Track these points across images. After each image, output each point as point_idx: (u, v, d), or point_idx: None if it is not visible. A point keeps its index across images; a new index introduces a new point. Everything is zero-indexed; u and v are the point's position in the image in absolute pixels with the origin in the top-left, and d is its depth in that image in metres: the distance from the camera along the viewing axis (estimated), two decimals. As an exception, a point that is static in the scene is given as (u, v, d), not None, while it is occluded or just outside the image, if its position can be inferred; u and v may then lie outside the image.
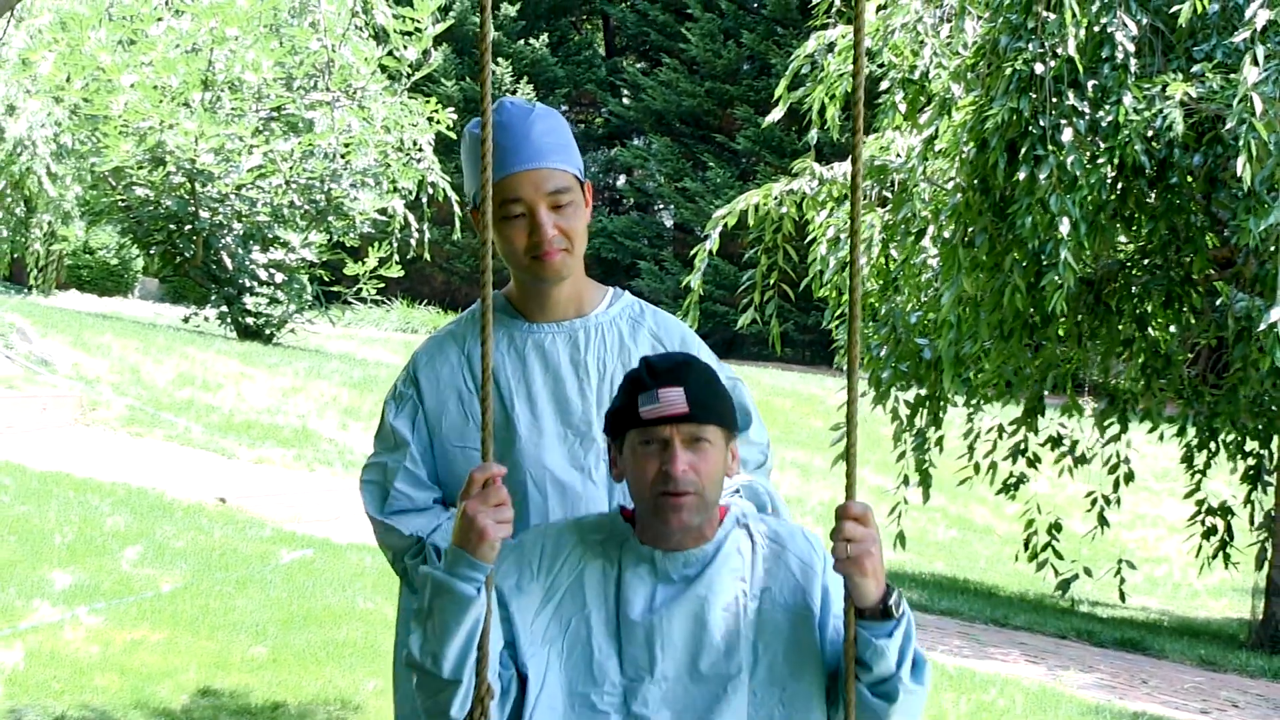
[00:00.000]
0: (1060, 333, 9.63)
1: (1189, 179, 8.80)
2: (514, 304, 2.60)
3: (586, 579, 2.36)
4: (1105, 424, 10.20)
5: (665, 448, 2.29)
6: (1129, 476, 10.29)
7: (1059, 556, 10.29)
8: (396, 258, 17.70)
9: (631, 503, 2.44)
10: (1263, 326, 7.87)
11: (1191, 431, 10.11)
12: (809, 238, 10.49)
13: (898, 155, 9.84)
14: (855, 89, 2.32)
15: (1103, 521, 10.42)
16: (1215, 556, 10.32)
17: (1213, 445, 10.19)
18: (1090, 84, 8.30)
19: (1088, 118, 8.25)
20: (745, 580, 2.35)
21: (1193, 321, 9.72)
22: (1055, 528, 10.30)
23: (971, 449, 10.61)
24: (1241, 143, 7.48)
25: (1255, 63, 7.62)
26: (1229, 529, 10.30)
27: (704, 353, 2.59)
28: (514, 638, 2.33)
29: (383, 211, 17.59)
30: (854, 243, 2.33)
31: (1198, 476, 10.30)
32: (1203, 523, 10.37)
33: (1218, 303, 9.44)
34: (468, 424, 2.54)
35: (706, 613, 2.32)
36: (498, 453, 2.47)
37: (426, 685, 2.27)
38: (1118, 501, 10.52)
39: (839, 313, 10.38)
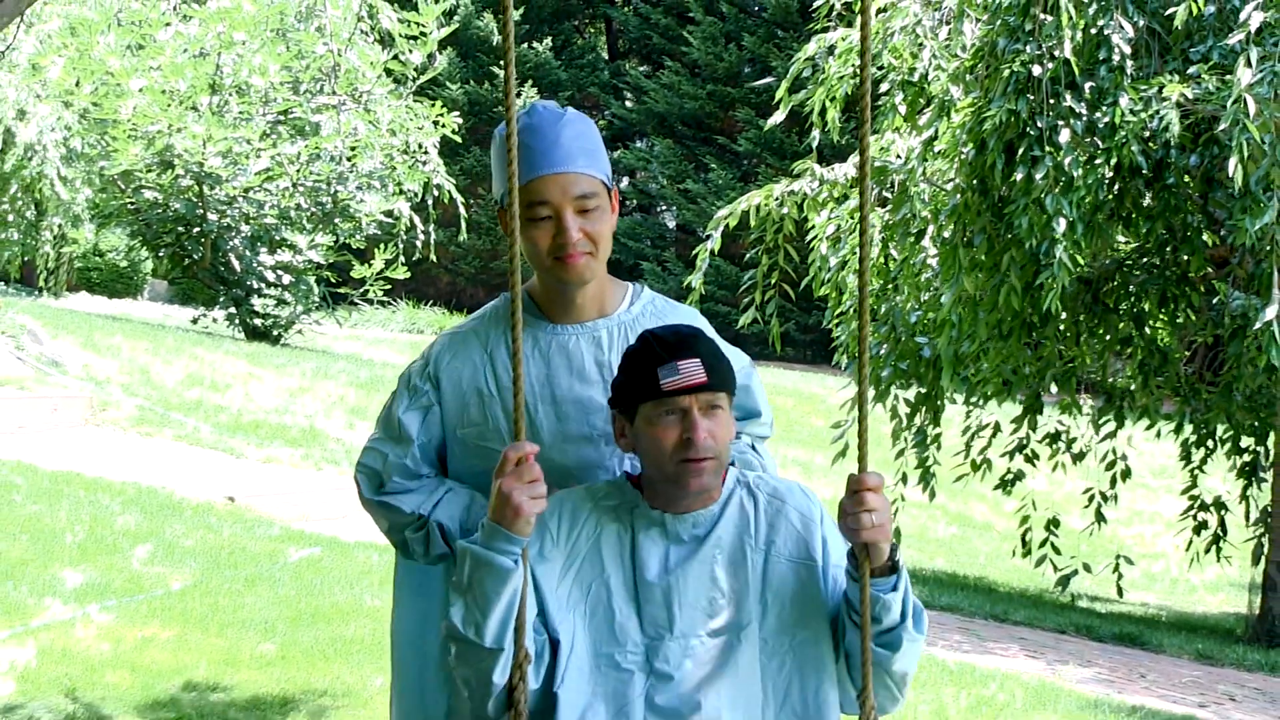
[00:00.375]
0: (1060, 329, 9.70)
1: (1185, 179, 8.85)
2: (537, 304, 2.59)
3: (604, 543, 2.45)
4: (1102, 421, 10.28)
5: (685, 416, 2.37)
6: (1126, 473, 10.35)
7: (1057, 552, 10.35)
8: (402, 259, 17.78)
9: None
10: (1258, 325, 7.94)
11: (1188, 429, 10.18)
12: (810, 238, 10.58)
13: (897, 156, 9.90)
14: (862, 82, 2.38)
15: (1100, 518, 10.49)
16: (1208, 551, 10.39)
17: (1210, 442, 10.25)
18: (1087, 85, 8.35)
19: (1085, 119, 8.29)
20: (751, 535, 2.46)
21: (1192, 318, 9.78)
22: (1053, 524, 10.37)
23: (968, 446, 10.69)
24: (1235, 144, 7.54)
25: (1249, 64, 7.67)
26: (1222, 524, 10.36)
27: (721, 344, 2.59)
28: (543, 605, 2.42)
29: (389, 214, 17.68)
30: (863, 226, 2.41)
31: (1194, 473, 10.37)
32: (1195, 517, 10.44)
33: (1214, 301, 9.52)
34: (487, 424, 2.55)
35: (717, 569, 2.43)
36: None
37: (468, 656, 2.35)
38: (1115, 498, 10.58)
39: (839, 312, 10.46)
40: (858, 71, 10.00)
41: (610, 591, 2.43)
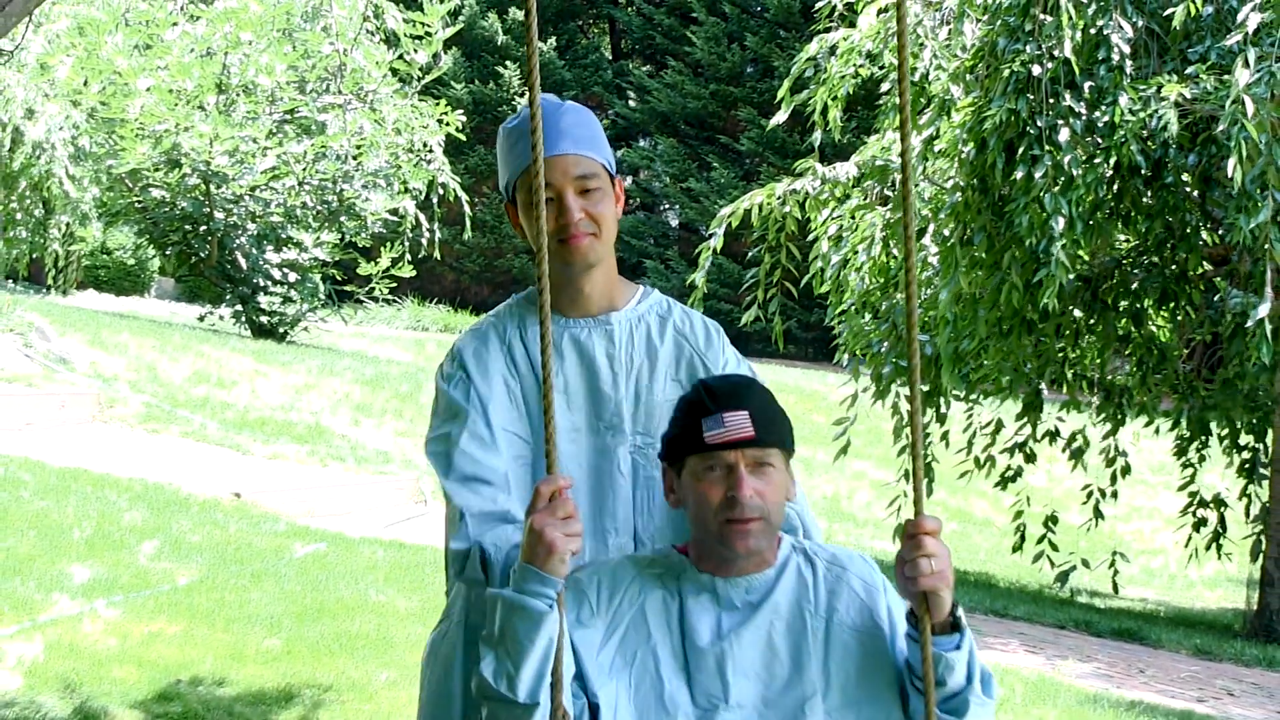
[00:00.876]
0: (1060, 327, 9.76)
1: (1184, 178, 8.90)
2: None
3: (649, 610, 2.29)
4: (1100, 419, 10.34)
5: (730, 473, 2.24)
6: (1126, 470, 10.40)
7: (1054, 549, 10.40)
8: (408, 257, 17.87)
9: (664, 520, 2.46)
10: (1250, 323, 8.00)
11: (1184, 425, 10.24)
12: (811, 236, 10.64)
13: (899, 155, 9.96)
14: (901, 71, 2.31)
15: (1098, 514, 10.54)
16: (1209, 548, 10.44)
17: (1202, 437, 10.29)
18: (1086, 85, 8.40)
19: (1084, 118, 8.35)
20: (811, 602, 2.29)
21: (1192, 315, 9.83)
22: (1051, 520, 10.43)
23: (971, 444, 10.74)
24: (1233, 143, 7.59)
25: (1247, 65, 7.72)
26: (1222, 521, 10.41)
27: (727, 349, 2.63)
28: (581, 670, 2.25)
29: (394, 212, 17.76)
30: (909, 280, 2.27)
31: (1191, 469, 10.41)
32: (1194, 514, 10.49)
33: (1215, 299, 9.57)
34: (513, 408, 2.55)
35: (775, 637, 2.27)
36: (532, 444, 2.51)
37: (501, 714, 2.19)
38: (1114, 495, 10.63)
39: (840, 310, 10.53)
40: (858, 71, 10.06)
41: (658, 659, 2.26)
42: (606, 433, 2.55)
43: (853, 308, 10.40)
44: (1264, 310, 7.85)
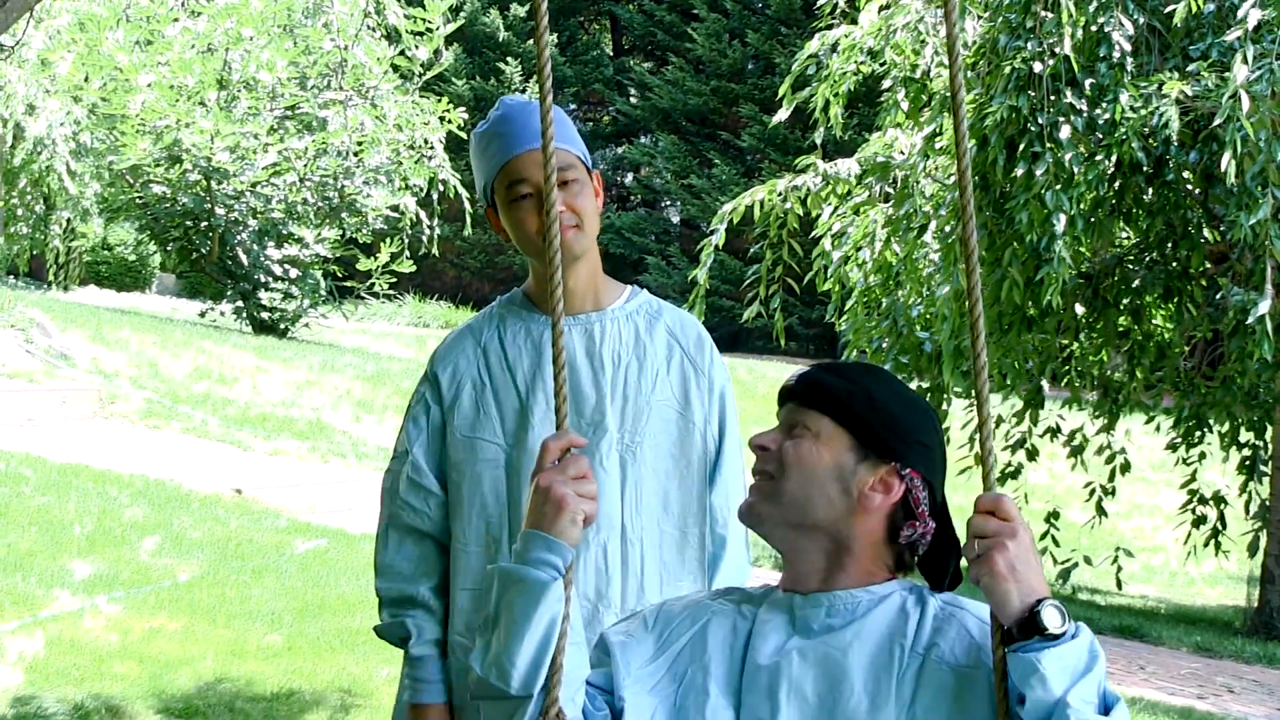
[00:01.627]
0: (1060, 324, 9.76)
1: (1185, 175, 8.91)
2: (531, 298, 2.61)
3: (711, 631, 1.99)
4: (1098, 415, 10.35)
5: None
6: (1125, 467, 10.41)
7: (1058, 545, 10.42)
8: (408, 253, 17.90)
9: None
10: (1250, 319, 8.00)
11: (1182, 422, 10.24)
12: (815, 234, 10.64)
13: (900, 153, 9.96)
14: (953, 87, 2.14)
15: (1100, 511, 10.54)
16: (1207, 545, 10.44)
17: (1199, 434, 10.29)
18: (1087, 82, 8.40)
19: (1085, 115, 8.35)
20: (906, 638, 1.92)
21: (1194, 313, 9.83)
22: (1054, 516, 10.43)
23: (972, 440, 10.73)
24: (1229, 140, 7.59)
25: (1246, 61, 7.72)
26: (1222, 518, 10.41)
27: (715, 357, 2.62)
28: (613, 681, 1.96)
29: (395, 208, 17.77)
30: (965, 239, 2.03)
31: (1193, 467, 10.42)
32: (1194, 511, 10.49)
33: (1217, 296, 9.58)
34: (478, 415, 2.55)
35: (852, 663, 1.91)
36: (510, 443, 2.52)
37: (494, 713, 1.92)
38: (1113, 491, 10.63)
39: (846, 306, 10.54)
40: (860, 68, 10.06)
41: (708, 674, 1.94)
42: (588, 429, 2.53)
43: (855, 305, 10.41)
44: (1264, 307, 7.86)
